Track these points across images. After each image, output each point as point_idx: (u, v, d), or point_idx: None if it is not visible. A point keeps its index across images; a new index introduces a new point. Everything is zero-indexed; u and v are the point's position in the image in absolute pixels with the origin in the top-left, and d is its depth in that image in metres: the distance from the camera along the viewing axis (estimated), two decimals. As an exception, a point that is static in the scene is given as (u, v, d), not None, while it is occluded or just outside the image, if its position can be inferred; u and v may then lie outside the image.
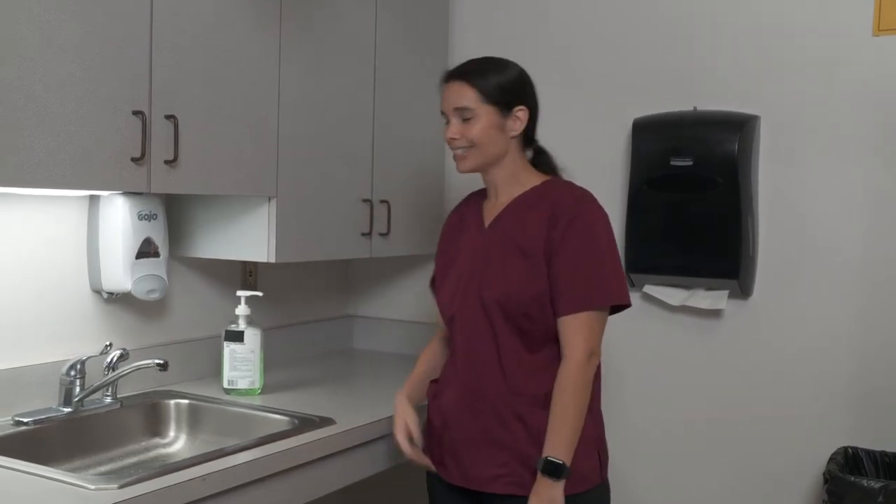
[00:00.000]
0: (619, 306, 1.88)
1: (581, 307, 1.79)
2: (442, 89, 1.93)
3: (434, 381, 2.02)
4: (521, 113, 1.89)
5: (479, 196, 2.03)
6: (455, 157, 1.92)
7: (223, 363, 2.25)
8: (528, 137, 1.94)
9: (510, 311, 1.82)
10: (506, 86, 1.88)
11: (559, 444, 1.76)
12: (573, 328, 1.80)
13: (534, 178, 1.93)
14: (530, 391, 1.82)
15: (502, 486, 1.82)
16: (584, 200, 1.86)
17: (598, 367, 1.89)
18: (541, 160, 1.98)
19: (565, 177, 1.97)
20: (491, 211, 1.95)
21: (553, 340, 1.83)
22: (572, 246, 1.80)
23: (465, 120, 1.87)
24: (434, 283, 2.07)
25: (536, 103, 1.94)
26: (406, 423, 1.96)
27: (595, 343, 1.82)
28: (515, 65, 1.93)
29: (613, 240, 1.87)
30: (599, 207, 1.87)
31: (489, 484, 1.84)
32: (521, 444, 1.82)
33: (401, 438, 1.95)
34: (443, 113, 1.92)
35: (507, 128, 1.88)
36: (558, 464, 1.74)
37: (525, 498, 1.77)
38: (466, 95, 1.86)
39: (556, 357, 1.83)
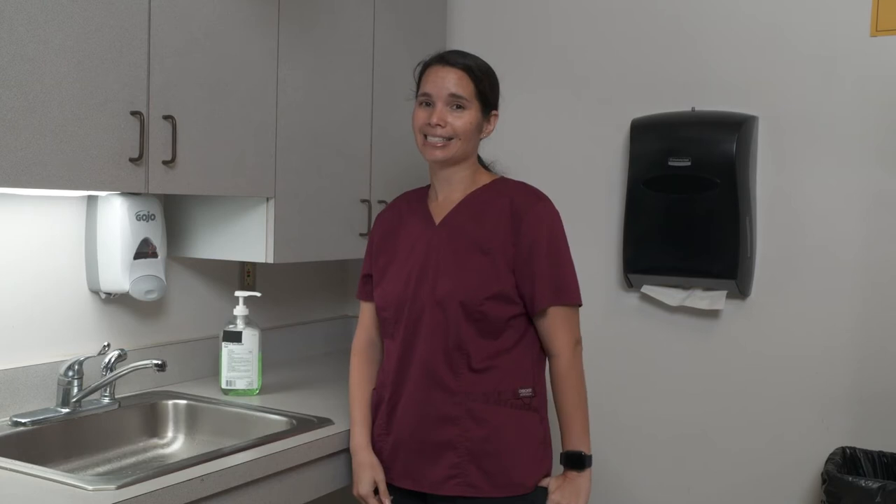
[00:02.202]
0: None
1: (560, 301, 1.83)
2: (430, 70, 1.86)
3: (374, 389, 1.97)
4: (494, 118, 1.91)
5: (419, 194, 2.00)
6: (427, 144, 1.85)
7: (221, 364, 2.25)
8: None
9: (467, 309, 1.80)
10: (493, 88, 1.90)
11: (575, 436, 1.83)
12: (556, 322, 1.83)
13: (485, 178, 1.93)
14: (482, 388, 1.81)
15: (452, 487, 1.81)
16: (544, 199, 1.88)
17: (544, 371, 1.91)
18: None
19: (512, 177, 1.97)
20: (440, 208, 1.92)
21: (511, 329, 1.83)
22: (544, 242, 1.82)
23: (455, 108, 1.83)
24: (362, 291, 2.02)
25: None
26: (374, 481, 1.87)
27: (578, 332, 1.87)
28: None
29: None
30: (554, 205, 1.90)
31: (439, 486, 1.82)
32: (473, 442, 1.80)
33: (373, 501, 1.86)
34: (426, 94, 1.85)
35: (483, 129, 1.89)
36: (578, 454, 1.82)
37: (474, 499, 1.79)
38: (466, 85, 1.83)
39: (515, 346, 1.84)
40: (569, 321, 1.85)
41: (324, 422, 2.00)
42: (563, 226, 1.88)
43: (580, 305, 1.88)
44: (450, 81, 1.83)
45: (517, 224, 1.82)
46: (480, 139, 1.91)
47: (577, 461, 1.83)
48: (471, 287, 1.81)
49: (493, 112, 1.91)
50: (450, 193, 1.92)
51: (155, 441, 2.14)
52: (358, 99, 2.48)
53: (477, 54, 1.95)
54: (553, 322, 1.83)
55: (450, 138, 1.83)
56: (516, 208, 1.84)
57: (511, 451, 1.81)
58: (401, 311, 1.87)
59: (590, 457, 1.84)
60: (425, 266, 1.86)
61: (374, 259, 1.99)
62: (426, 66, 1.89)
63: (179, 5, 1.90)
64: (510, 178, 1.96)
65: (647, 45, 2.61)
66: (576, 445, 1.83)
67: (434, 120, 1.82)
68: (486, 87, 1.87)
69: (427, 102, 1.85)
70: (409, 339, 1.86)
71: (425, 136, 1.85)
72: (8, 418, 1.90)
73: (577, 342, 1.86)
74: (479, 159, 1.98)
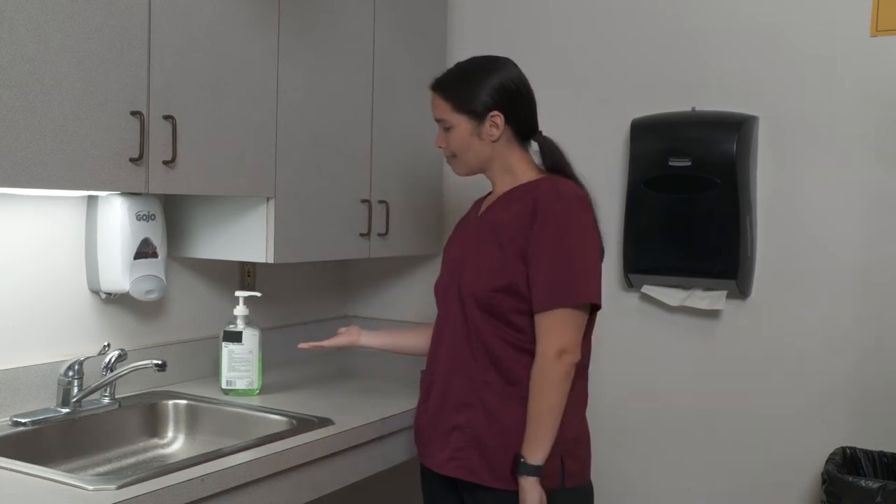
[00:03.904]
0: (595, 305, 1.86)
1: (551, 304, 1.78)
2: None
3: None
4: (497, 119, 1.87)
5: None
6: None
7: (221, 363, 2.25)
8: (525, 134, 1.93)
9: (479, 300, 1.84)
10: (477, 94, 1.87)
11: (527, 443, 1.77)
12: (544, 325, 1.79)
13: (529, 174, 1.92)
14: (500, 382, 1.83)
15: (452, 468, 1.85)
16: (564, 198, 1.82)
17: (584, 369, 1.88)
18: (546, 154, 1.94)
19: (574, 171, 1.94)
20: (487, 203, 1.99)
21: (528, 326, 1.82)
22: (546, 242, 1.79)
23: (446, 129, 1.93)
24: None
25: (527, 101, 1.92)
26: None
27: (567, 340, 1.77)
28: (494, 68, 1.90)
29: (591, 238, 1.84)
30: (581, 205, 1.84)
31: (443, 466, 1.87)
32: (481, 430, 1.83)
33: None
34: None
35: (484, 134, 1.89)
36: (520, 461, 1.76)
37: (474, 484, 1.83)
38: (440, 107, 1.93)
39: (536, 346, 1.81)
40: (555, 326, 1.77)
41: (324, 422, 2.00)
42: (585, 227, 1.83)
43: (589, 309, 1.82)
44: (433, 107, 1.95)
45: (530, 222, 1.82)
46: (494, 142, 1.89)
47: (519, 467, 1.76)
48: (481, 279, 1.85)
49: (492, 114, 1.87)
50: (496, 190, 1.98)
51: (155, 441, 2.14)
52: (358, 99, 2.48)
53: (477, 54, 1.97)
54: (541, 323, 1.79)
55: (453, 156, 1.96)
56: (536, 206, 1.82)
57: (516, 448, 1.79)
58: (438, 300, 1.99)
59: (534, 466, 1.74)
60: (460, 257, 1.95)
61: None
62: None
63: (179, 5, 1.90)
64: (554, 176, 1.91)
65: (647, 45, 2.60)
66: (523, 451, 1.76)
67: (436, 143, 1.98)
68: (461, 97, 1.88)
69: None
70: (442, 325, 1.95)
71: None
72: (8, 418, 1.90)
73: (563, 351, 1.76)
74: (544, 150, 1.93)
